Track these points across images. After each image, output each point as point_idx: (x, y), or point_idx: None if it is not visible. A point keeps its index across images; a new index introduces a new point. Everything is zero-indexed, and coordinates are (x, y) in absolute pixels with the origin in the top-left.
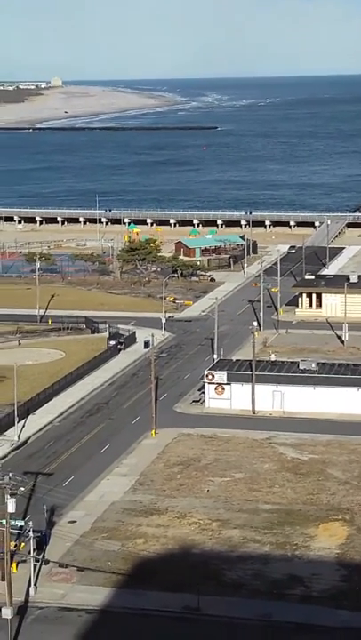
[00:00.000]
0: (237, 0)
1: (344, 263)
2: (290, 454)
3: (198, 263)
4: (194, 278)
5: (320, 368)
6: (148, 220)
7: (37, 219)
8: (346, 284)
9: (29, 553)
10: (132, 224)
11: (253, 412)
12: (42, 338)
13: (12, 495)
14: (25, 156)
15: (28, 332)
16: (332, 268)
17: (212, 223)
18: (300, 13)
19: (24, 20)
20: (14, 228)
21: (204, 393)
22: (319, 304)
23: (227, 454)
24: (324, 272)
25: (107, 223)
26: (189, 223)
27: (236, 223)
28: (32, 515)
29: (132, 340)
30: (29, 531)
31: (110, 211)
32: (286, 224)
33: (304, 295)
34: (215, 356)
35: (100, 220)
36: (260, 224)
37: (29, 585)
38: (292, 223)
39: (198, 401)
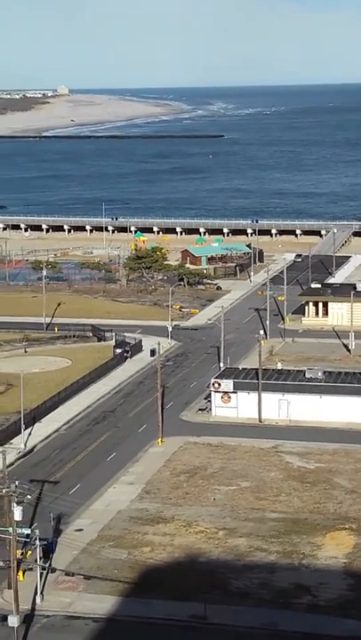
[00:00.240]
0: (243, 9)
1: (350, 272)
2: (296, 463)
3: (205, 271)
4: (200, 286)
5: (326, 377)
6: (155, 229)
7: (44, 227)
8: (352, 292)
9: (36, 561)
10: (138, 232)
11: (260, 421)
12: (48, 346)
13: (18, 503)
14: (31, 164)
15: (35, 339)
16: (338, 277)
17: (219, 231)
18: (306, 22)
19: (31, 29)
20: (21, 236)
21: (210, 401)
22: (325, 313)
23: (233, 463)
24: (331, 281)
25: (113, 231)
26: (196, 231)
27: (243, 231)
28: (38, 523)
29: (138, 348)
30: (36, 539)
31: (117, 219)
32: (293, 232)
33: (310, 304)
34: (221, 365)
35: (106, 228)
36: (267, 232)
37: (36, 593)
38: (298, 232)
39: (205, 409)
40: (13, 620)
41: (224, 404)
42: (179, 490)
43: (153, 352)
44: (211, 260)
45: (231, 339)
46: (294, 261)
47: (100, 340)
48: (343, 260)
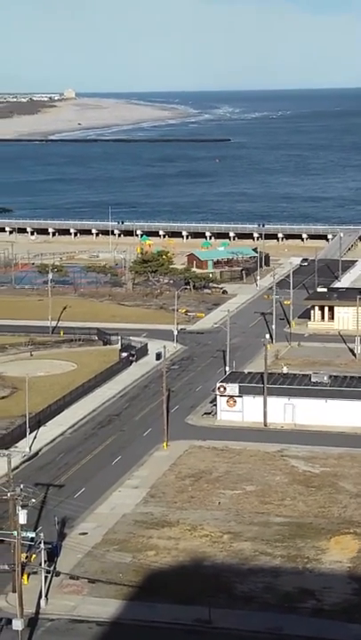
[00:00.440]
0: (250, 14)
1: (357, 276)
2: (301, 467)
3: (210, 275)
4: (206, 290)
5: (332, 381)
6: (161, 232)
7: (50, 230)
8: (358, 296)
9: (40, 564)
10: (144, 236)
11: (265, 425)
12: (54, 349)
13: (23, 507)
14: (38, 167)
15: (40, 343)
16: (344, 281)
17: (225, 235)
18: (313, 26)
19: (38, 32)
20: (27, 240)
21: (215, 405)
22: (331, 317)
23: (238, 467)
24: (337, 285)
25: (119, 235)
26: (202, 235)
27: (249, 235)
28: (43, 526)
29: (143, 351)
30: (40, 542)
31: (123, 223)
32: (299, 237)
33: (316, 308)
34: (227, 369)
35: (112, 231)
36: (273, 236)
37: (40, 597)
38: (304, 236)
39: (210, 413)
40: (18, 624)
41: (229, 408)
42: (184, 494)
43: (158, 356)
44: (217, 263)
45: (237, 343)
46: (300, 265)
47: (105, 343)
48: (349, 265)
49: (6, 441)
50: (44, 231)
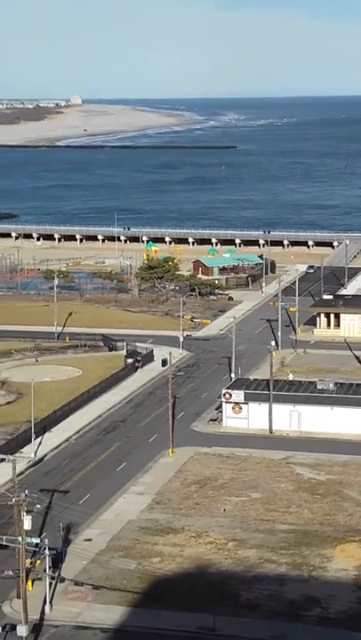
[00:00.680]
0: (256, 21)
1: None
2: (307, 474)
3: (216, 282)
4: (212, 297)
5: (338, 388)
6: (167, 239)
7: (56, 236)
8: None
9: (45, 571)
10: (150, 242)
11: (271, 432)
12: (59, 355)
13: (27, 512)
14: (44, 173)
15: (46, 349)
16: (350, 288)
17: (231, 242)
18: (319, 33)
19: (45, 39)
20: (33, 245)
21: (221, 412)
22: (337, 324)
23: (243, 474)
24: (343, 292)
25: (125, 241)
26: (208, 242)
27: (255, 242)
28: (48, 532)
29: (149, 358)
30: (45, 548)
31: (129, 229)
32: (305, 244)
33: (322, 315)
34: (233, 375)
35: (118, 237)
36: (279, 243)
37: (45, 603)
38: (310, 243)
39: (215, 420)
40: (22, 630)
41: (235, 415)
42: (189, 500)
43: (164, 362)
44: (222, 270)
45: (243, 349)
46: (306, 272)
47: (111, 349)
48: (355, 272)
49: (11, 446)
50: (49, 237)
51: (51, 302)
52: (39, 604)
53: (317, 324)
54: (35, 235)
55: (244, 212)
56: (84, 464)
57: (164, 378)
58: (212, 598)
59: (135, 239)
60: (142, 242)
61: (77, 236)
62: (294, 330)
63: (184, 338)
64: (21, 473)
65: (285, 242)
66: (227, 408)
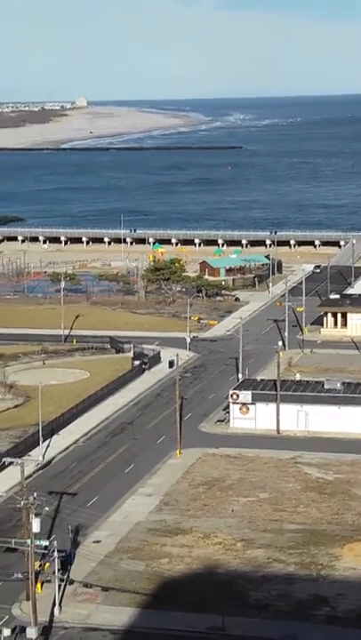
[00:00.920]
0: (261, 21)
1: None
2: (315, 474)
3: (223, 283)
4: (218, 298)
5: (345, 388)
6: (173, 240)
7: (62, 239)
8: None
9: (54, 573)
10: (156, 244)
11: (278, 432)
12: (66, 358)
13: (36, 515)
14: (49, 176)
15: (53, 351)
16: (357, 288)
17: (237, 243)
18: (323, 32)
19: (50, 41)
20: (39, 248)
21: (228, 413)
22: (344, 324)
23: (251, 474)
24: (350, 291)
25: (131, 243)
26: (214, 243)
27: (261, 243)
28: (57, 534)
29: (156, 359)
30: (54, 550)
31: (135, 230)
32: (311, 243)
33: (329, 315)
34: (240, 376)
35: (124, 239)
36: (285, 243)
37: (54, 605)
38: (317, 242)
39: (223, 421)
40: (32, 632)
41: (242, 416)
42: (197, 501)
43: (171, 364)
44: (229, 271)
45: (250, 350)
46: (313, 272)
47: (118, 351)
48: None
49: (20, 449)
50: (56, 240)
51: (57, 305)
52: (48, 606)
53: (324, 324)
54: (41, 237)
55: (250, 212)
56: (92, 466)
57: (171, 379)
58: (221, 599)
59: (141, 241)
60: (148, 243)
61: (83, 239)
62: (301, 330)
63: (191, 339)
64: (30, 476)
65: (292, 242)
66: (234, 409)
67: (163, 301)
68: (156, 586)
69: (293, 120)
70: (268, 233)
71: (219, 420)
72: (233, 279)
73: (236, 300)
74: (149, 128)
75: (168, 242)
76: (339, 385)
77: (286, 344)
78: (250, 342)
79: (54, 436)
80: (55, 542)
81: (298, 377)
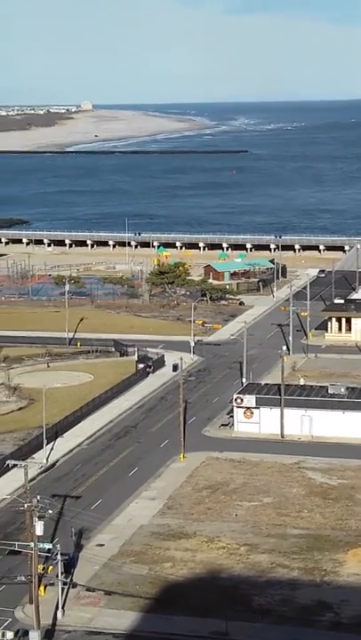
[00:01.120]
0: (266, 25)
1: None
2: (319, 479)
3: (227, 287)
4: (223, 302)
5: (349, 392)
6: (178, 244)
7: (67, 242)
8: None
9: (57, 576)
10: (161, 247)
11: (282, 437)
12: (71, 361)
13: (39, 518)
14: (54, 179)
15: (57, 354)
16: None
17: (242, 247)
18: (328, 37)
19: (55, 44)
20: (44, 251)
21: (232, 417)
22: (349, 328)
23: (255, 479)
24: (354, 296)
25: (136, 246)
26: (219, 247)
27: (266, 247)
28: (60, 538)
29: (160, 363)
30: (57, 554)
31: (140, 234)
32: (316, 248)
33: (333, 319)
34: (244, 380)
35: (129, 243)
36: (290, 248)
37: (57, 608)
38: (321, 247)
39: (227, 425)
40: (34, 636)
41: (246, 420)
42: (201, 505)
43: (175, 367)
44: (233, 275)
45: (254, 354)
46: (317, 277)
47: (122, 354)
48: None
49: (23, 452)
50: (60, 243)
51: (62, 308)
52: (51, 610)
53: (329, 329)
54: (45, 240)
55: (255, 216)
56: (95, 469)
57: (175, 383)
58: (225, 603)
59: (146, 244)
60: (153, 247)
61: (88, 242)
62: (305, 334)
63: (195, 343)
64: (33, 478)
65: (297, 246)
66: (238, 413)
67: (167, 305)
68: (160, 590)
69: (298, 124)
70: (273, 237)
71: (223, 424)
72: (237, 283)
73: (241, 304)
74: (155, 132)
75: (173, 245)
76: (343, 390)
77: (290, 348)
78: (254, 346)
79: (58, 439)
80: (58, 545)
81: (302, 381)
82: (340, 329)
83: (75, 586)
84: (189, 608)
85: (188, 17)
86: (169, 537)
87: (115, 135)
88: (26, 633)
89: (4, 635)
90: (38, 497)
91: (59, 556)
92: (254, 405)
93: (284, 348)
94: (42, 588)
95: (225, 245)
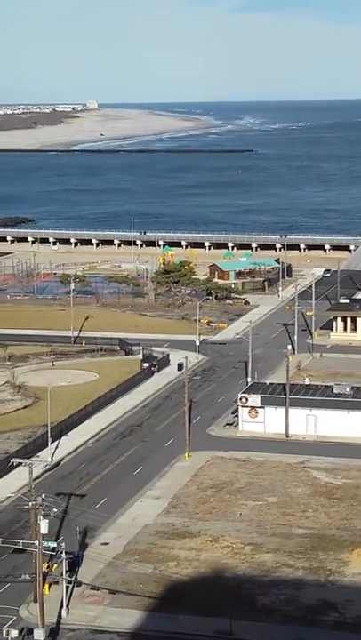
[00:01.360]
0: (272, 25)
1: None
2: (323, 479)
3: (233, 286)
4: (228, 301)
5: (354, 392)
6: (183, 243)
7: (72, 240)
8: None
9: (62, 575)
10: (166, 246)
11: (287, 436)
12: (76, 359)
13: (44, 516)
14: (60, 177)
15: (62, 353)
16: None
17: (247, 246)
18: (334, 36)
19: (61, 43)
20: (49, 250)
21: (237, 416)
22: (354, 328)
23: (260, 478)
24: (359, 296)
25: (141, 245)
26: (224, 246)
27: (271, 246)
28: (64, 536)
29: (165, 362)
30: (62, 552)
31: (145, 233)
32: (321, 247)
33: (339, 319)
34: (249, 380)
35: (134, 242)
36: (296, 247)
37: (61, 607)
38: (327, 247)
39: (232, 424)
40: (39, 634)
41: (251, 419)
42: (205, 504)
43: (180, 366)
44: (239, 274)
45: (259, 353)
46: (323, 276)
47: (127, 353)
48: None
49: (28, 450)
50: (66, 241)
51: (67, 306)
52: (56, 608)
53: (334, 328)
54: (51, 239)
55: (260, 215)
56: (100, 468)
57: (180, 382)
58: (229, 602)
59: (151, 243)
60: (158, 246)
61: (94, 241)
62: (311, 334)
63: (200, 342)
64: (38, 477)
65: (302, 246)
66: (243, 412)
67: (172, 304)
68: (164, 589)
69: (304, 124)
70: (278, 236)
71: (228, 424)
72: (243, 282)
73: (246, 303)
74: (160, 131)
75: (178, 244)
76: (348, 389)
77: (296, 348)
78: (259, 346)
79: (63, 438)
80: (63, 544)
81: (307, 381)
82: (345, 328)
83: (79, 584)
84: (194, 607)
85: (195, 15)
86: (173, 536)
87: (120, 134)
88: (30, 631)
89: (8, 633)
90: (43, 495)
91: (63, 555)
92: (259, 405)
93: (290, 347)
94: (46, 586)
95: (230, 245)
